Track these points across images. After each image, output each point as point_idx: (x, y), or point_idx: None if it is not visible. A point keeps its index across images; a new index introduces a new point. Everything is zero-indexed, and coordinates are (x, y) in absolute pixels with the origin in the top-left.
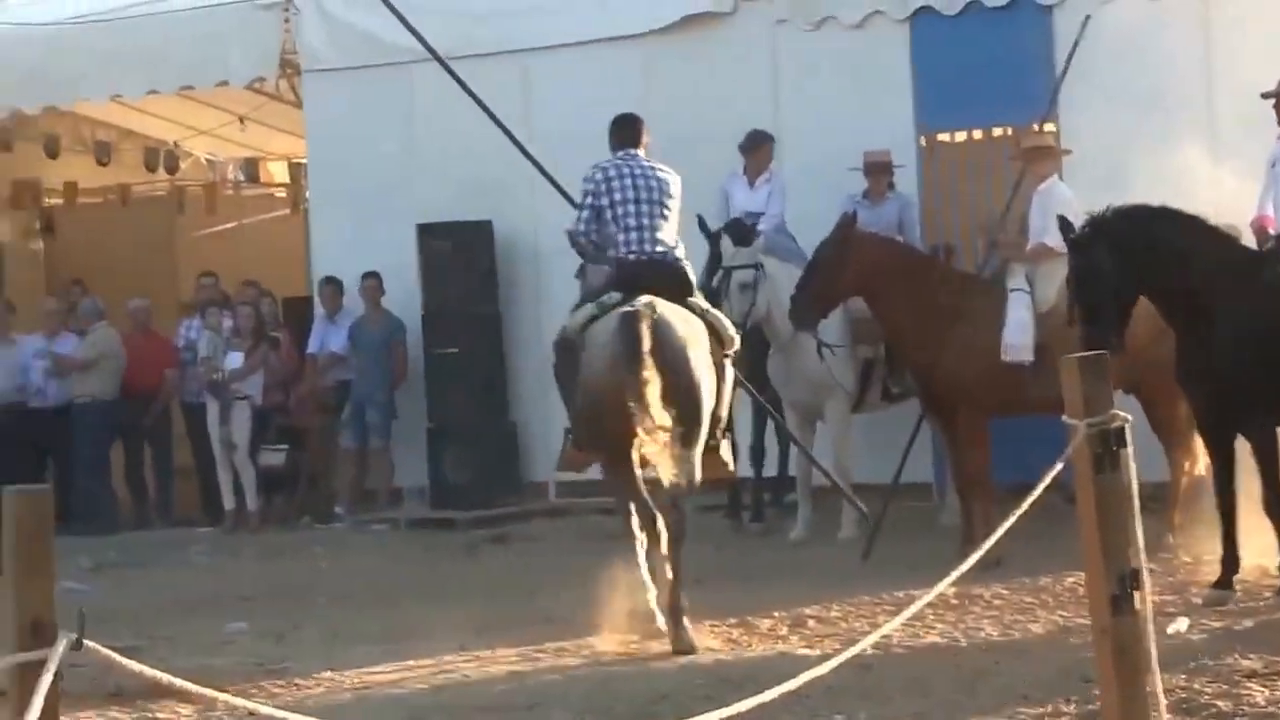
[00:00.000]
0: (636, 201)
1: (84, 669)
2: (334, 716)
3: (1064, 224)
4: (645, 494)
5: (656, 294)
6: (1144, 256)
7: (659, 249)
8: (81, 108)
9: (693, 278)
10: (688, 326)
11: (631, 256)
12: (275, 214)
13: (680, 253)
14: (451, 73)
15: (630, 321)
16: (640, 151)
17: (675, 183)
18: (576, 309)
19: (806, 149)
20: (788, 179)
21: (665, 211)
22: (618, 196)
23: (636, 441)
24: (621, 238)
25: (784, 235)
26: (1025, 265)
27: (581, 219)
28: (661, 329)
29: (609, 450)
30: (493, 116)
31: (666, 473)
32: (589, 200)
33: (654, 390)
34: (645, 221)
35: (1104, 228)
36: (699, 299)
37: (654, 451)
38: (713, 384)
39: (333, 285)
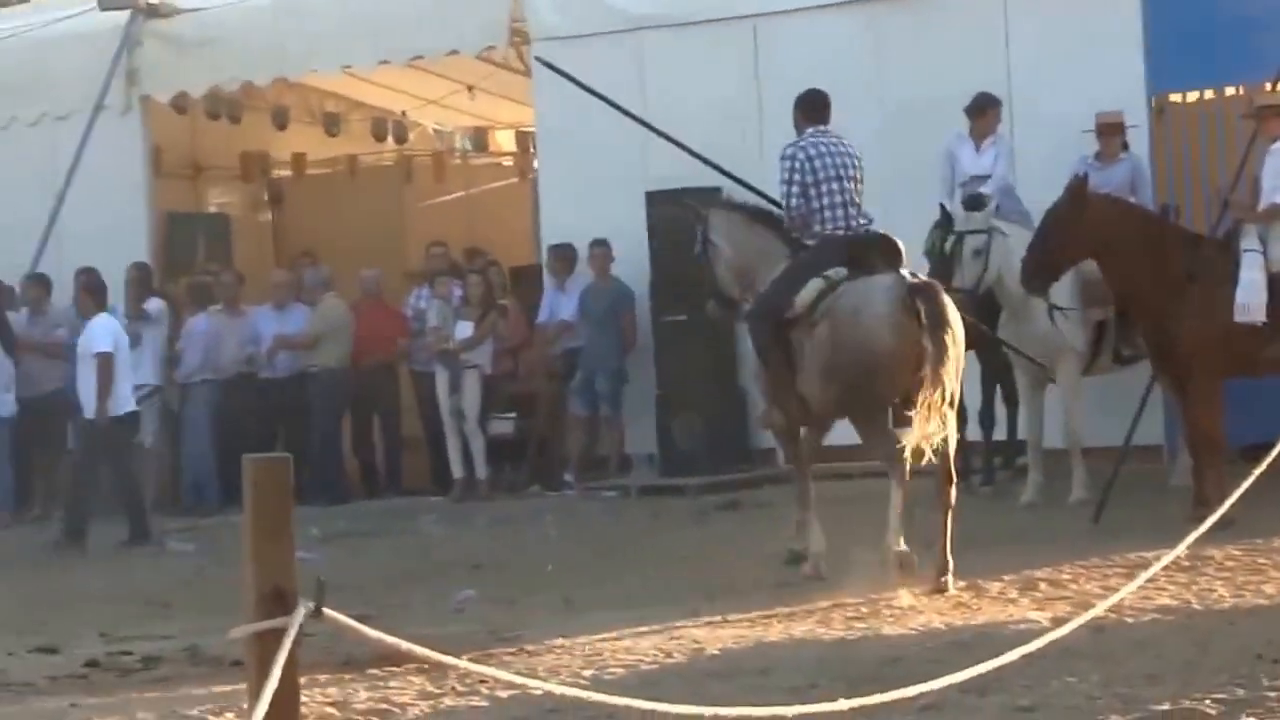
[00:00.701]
0: (839, 179)
1: (315, 638)
2: (566, 683)
3: None
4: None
5: (875, 266)
6: None
7: (865, 222)
8: (310, 79)
9: (903, 248)
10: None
11: (844, 232)
12: (503, 183)
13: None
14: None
15: (929, 292)
16: (830, 127)
17: (861, 157)
18: (791, 284)
19: (1038, 111)
20: (1019, 141)
21: (861, 186)
22: (821, 175)
23: (920, 400)
24: (829, 214)
25: (1011, 198)
26: (1258, 225)
27: (793, 195)
28: (946, 300)
29: (867, 413)
30: (614, 104)
31: (939, 432)
32: (796, 178)
33: (952, 356)
34: (850, 197)
35: None
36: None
37: (934, 414)
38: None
39: (563, 252)
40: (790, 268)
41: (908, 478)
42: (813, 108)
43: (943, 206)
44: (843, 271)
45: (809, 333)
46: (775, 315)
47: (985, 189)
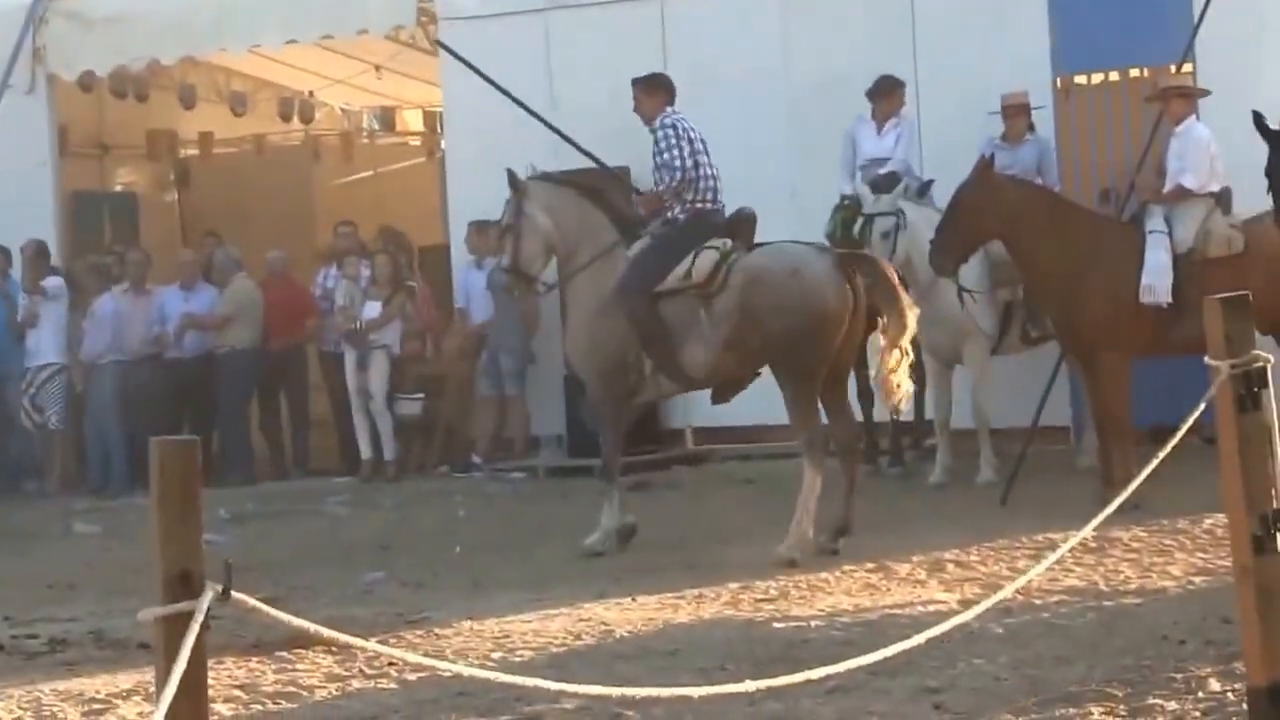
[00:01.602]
0: (708, 155)
1: (222, 620)
2: (474, 665)
3: (1258, 118)
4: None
5: (752, 242)
6: None
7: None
8: (217, 58)
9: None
10: None
11: (715, 206)
12: (411, 163)
13: None
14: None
15: (870, 262)
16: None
17: None
18: (668, 256)
19: (944, 93)
20: (926, 122)
21: None
22: (698, 147)
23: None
24: (704, 185)
25: (912, 179)
26: (1163, 207)
27: (686, 158)
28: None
29: (810, 380)
30: (513, 98)
31: (895, 398)
32: (685, 145)
33: (910, 323)
34: (717, 173)
35: None
36: None
37: (892, 377)
38: None
39: (480, 228)
40: (663, 241)
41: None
42: (671, 90)
43: (842, 195)
44: (729, 243)
45: (705, 303)
46: (650, 287)
47: (884, 172)
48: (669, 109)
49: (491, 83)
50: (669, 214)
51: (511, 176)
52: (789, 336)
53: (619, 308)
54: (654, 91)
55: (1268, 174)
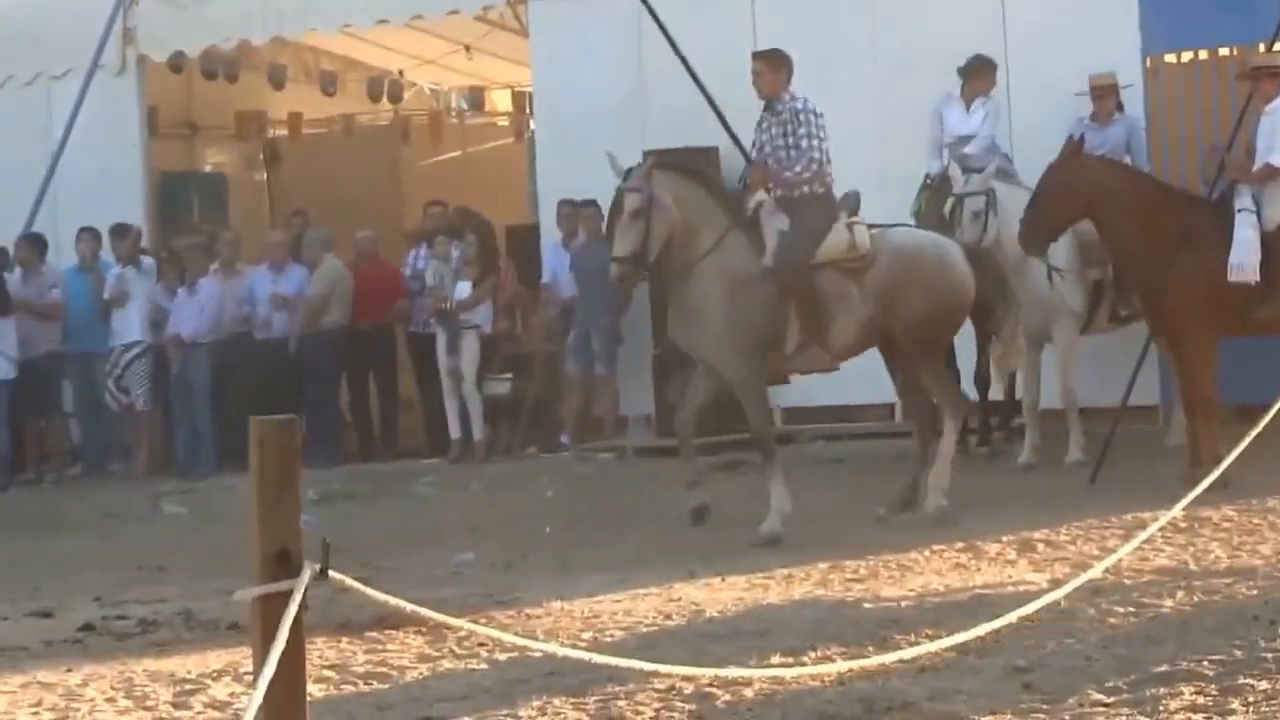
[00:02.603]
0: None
1: (312, 600)
2: (565, 645)
3: None
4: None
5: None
6: None
7: None
8: (307, 38)
9: None
10: None
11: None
12: (499, 143)
13: None
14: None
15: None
16: None
17: None
18: (817, 233)
19: (1034, 72)
20: (1015, 103)
21: None
22: (827, 138)
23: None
24: (828, 171)
25: (999, 155)
26: (1252, 186)
27: (824, 161)
28: None
29: (941, 359)
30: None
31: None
32: (824, 134)
33: None
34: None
35: None
36: None
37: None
38: None
39: (570, 209)
40: (809, 217)
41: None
42: (792, 68)
43: (927, 174)
44: (857, 219)
45: (857, 277)
46: (809, 260)
47: (969, 149)
48: (792, 89)
49: (683, 61)
50: (773, 193)
51: (613, 160)
52: (934, 318)
53: (778, 282)
54: (779, 67)
55: None
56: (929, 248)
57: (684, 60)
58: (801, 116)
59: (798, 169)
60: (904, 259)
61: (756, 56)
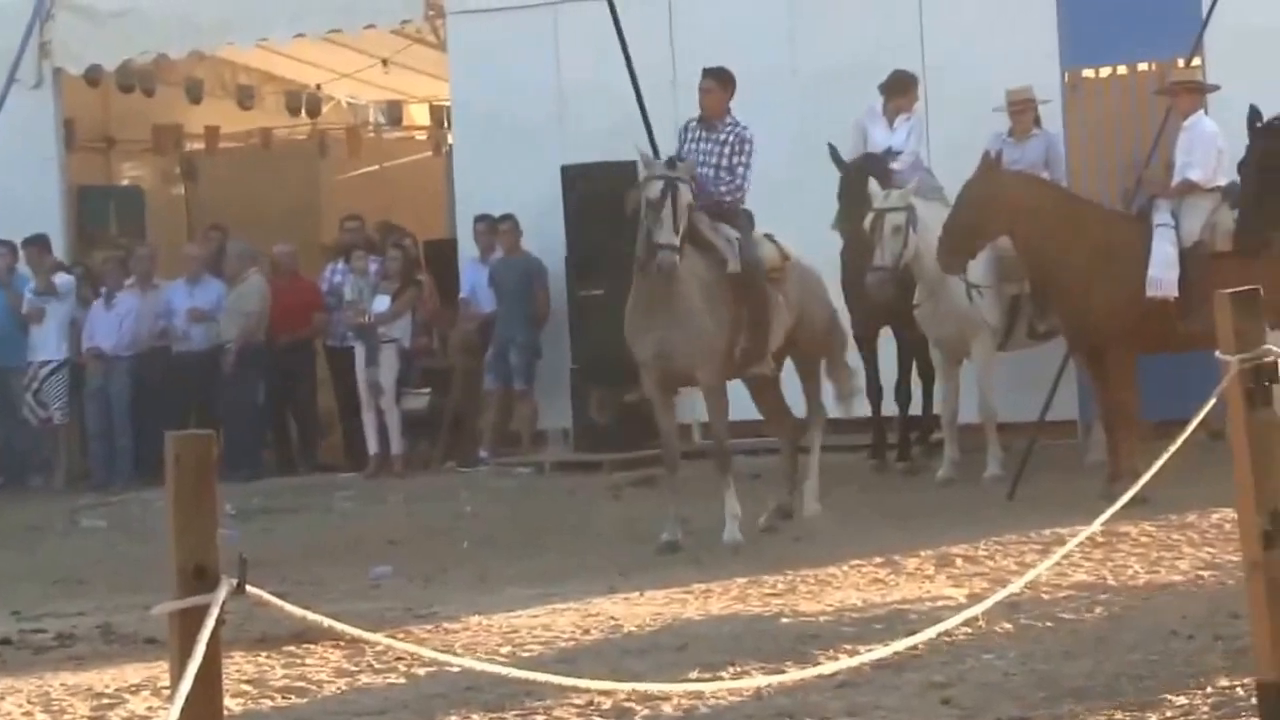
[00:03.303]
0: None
1: (231, 615)
2: (483, 660)
3: (1254, 113)
4: None
5: None
6: None
7: None
8: (224, 52)
9: None
10: None
11: None
12: (417, 157)
13: None
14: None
15: None
16: None
17: None
18: (753, 243)
19: (952, 87)
20: (933, 117)
21: None
22: None
23: None
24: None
25: (922, 171)
26: (1170, 201)
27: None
28: None
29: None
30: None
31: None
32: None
33: None
34: None
35: None
36: None
37: None
38: None
39: (487, 224)
40: (746, 230)
41: None
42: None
43: (852, 176)
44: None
45: (780, 286)
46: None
47: (896, 165)
48: (733, 112)
49: (631, 71)
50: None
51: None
52: (831, 330)
53: (744, 287)
54: (727, 86)
55: (1240, 168)
56: (809, 265)
57: (631, 70)
58: (740, 145)
59: (723, 189)
60: (803, 272)
61: (708, 74)
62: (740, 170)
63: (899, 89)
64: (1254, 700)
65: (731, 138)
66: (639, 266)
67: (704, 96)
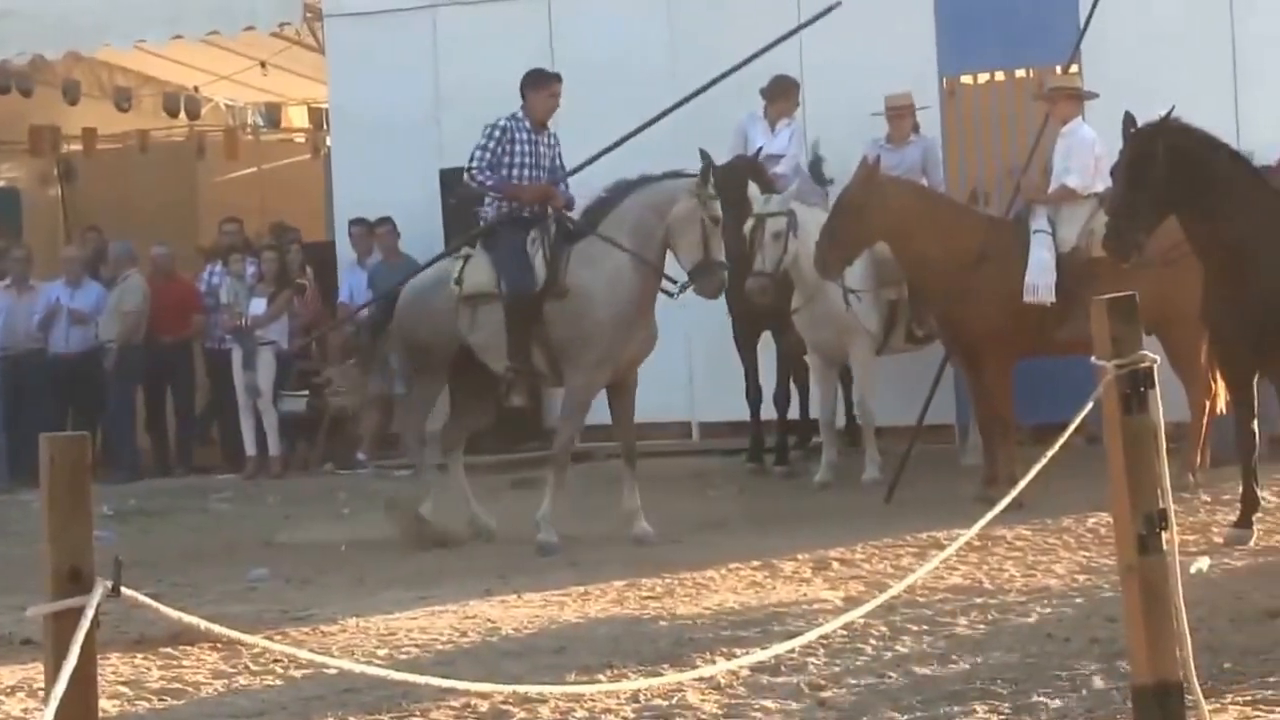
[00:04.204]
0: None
1: (107, 616)
2: (360, 662)
3: (1129, 119)
4: None
5: None
6: (1194, 176)
7: None
8: (102, 53)
9: None
10: None
11: None
12: (295, 159)
13: None
14: None
15: None
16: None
17: None
18: None
19: (829, 93)
20: (812, 123)
21: None
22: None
23: None
24: None
25: (806, 179)
26: (1048, 207)
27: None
28: None
29: None
30: None
31: None
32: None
33: None
34: None
35: (1167, 132)
36: None
37: None
38: None
39: (362, 227)
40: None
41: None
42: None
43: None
44: None
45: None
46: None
47: (779, 169)
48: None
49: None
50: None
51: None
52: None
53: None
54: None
55: (1112, 174)
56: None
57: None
58: (559, 149)
59: (569, 194)
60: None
61: (560, 79)
62: (564, 175)
63: (780, 93)
64: (1128, 703)
65: (557, 143)
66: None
67: (556, 101)
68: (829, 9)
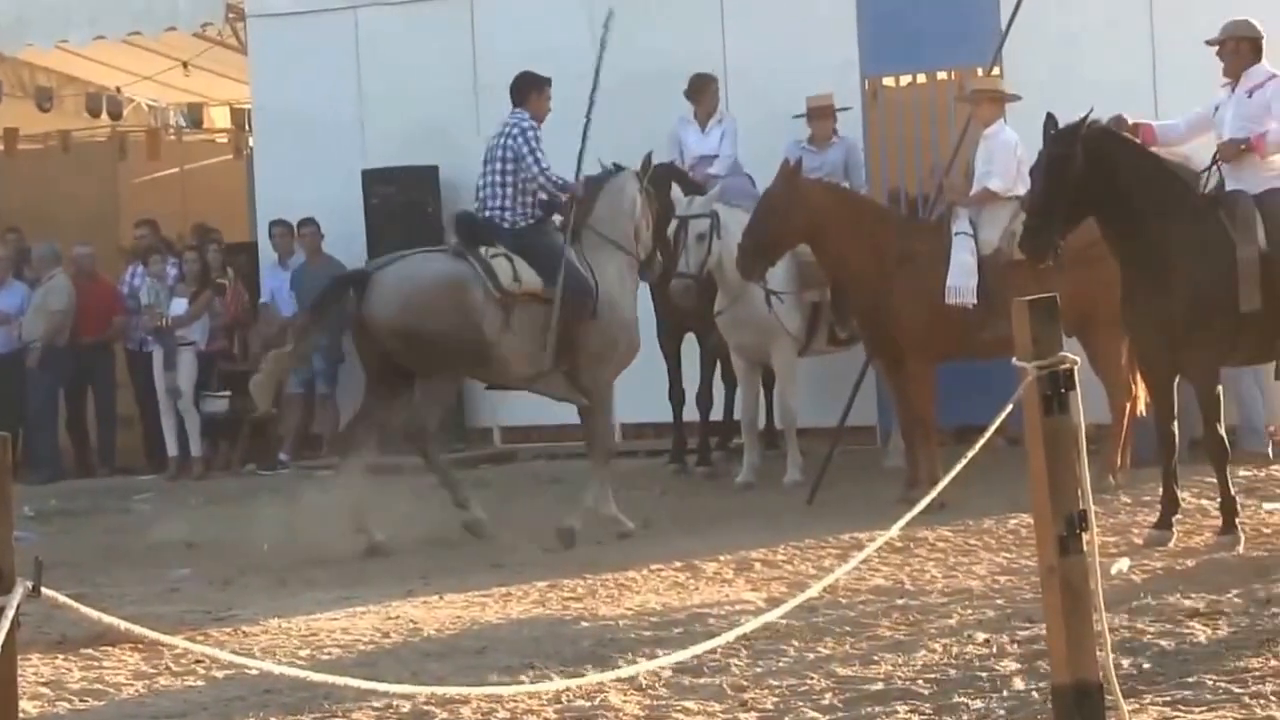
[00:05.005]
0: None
1: (28, 617)
2: (282, 663)
3: (1050, 120)
4: None
5: None
6: (1112, 176)
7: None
8: (23, 53)
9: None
10: None
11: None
12: (218, 160)
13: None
14: None
15: None
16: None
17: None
18: None
19: (753, 93)
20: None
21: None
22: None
23: None
24: None
25: (740, 176)
26: (969, 209)
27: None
28: None
29: None
30: None
31: None
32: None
33: None
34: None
35: (1085, 133)
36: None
37: None
38: None
39: (283, 229)
40: None
41: None
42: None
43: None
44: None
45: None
46: None
47: (713, 169)
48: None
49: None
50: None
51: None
52: None
53: None
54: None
55: (1031, 174)
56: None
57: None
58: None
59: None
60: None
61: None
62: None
63: (699, 90)
64: (1048, 703)
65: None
66: None
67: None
68: None
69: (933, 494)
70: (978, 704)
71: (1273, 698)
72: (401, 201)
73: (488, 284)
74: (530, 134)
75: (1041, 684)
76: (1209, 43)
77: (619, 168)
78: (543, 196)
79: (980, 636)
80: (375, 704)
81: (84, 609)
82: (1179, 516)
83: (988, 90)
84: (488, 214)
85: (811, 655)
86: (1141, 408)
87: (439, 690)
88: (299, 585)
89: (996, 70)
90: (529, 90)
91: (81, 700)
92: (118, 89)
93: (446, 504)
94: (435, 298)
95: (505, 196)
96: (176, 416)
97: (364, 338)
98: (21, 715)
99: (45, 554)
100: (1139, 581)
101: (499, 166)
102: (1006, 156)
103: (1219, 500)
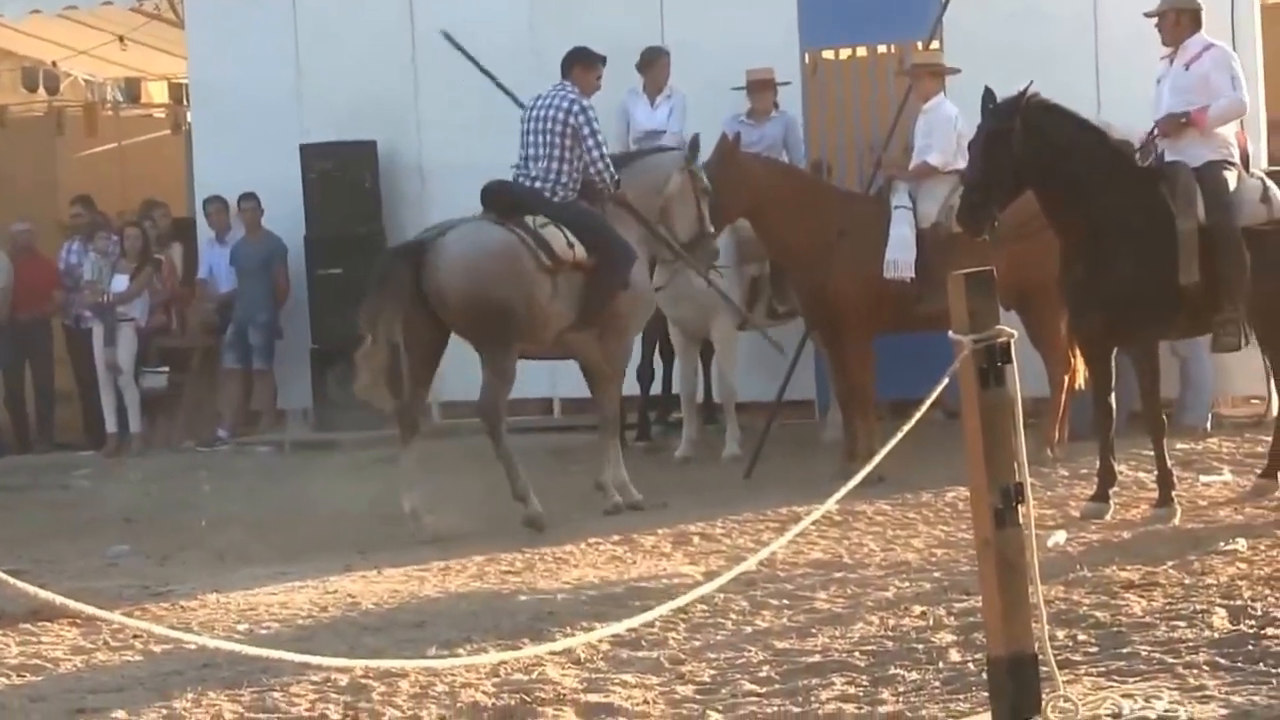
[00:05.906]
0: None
1: None
2: (220, 637)
3: (988, 94)
4: None
5: None
6: (1052, 150)
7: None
8: None
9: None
10: None
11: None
12: (156, 135)
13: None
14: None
15: None
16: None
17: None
18: None
19: (692, 67)
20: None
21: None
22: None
23: None
24: None
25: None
26: (908, 183)
27: None
28: None
29: None
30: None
31: None
32: None
33: None
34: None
35: (1024, 106)
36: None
37: None
38: None
39: (219, 205)
40: None
41: None
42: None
43: None
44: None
45: None
46: None
47: (659, 144)
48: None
49: (488, 74)
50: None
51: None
52: None
53: None
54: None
55: (970, 148)
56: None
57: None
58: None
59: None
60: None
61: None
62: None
63: (648, 63)
64: (984, 675)
65: None
66: None
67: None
68: None
69: (870, 467)
70: (914, 676)
71: (1206, 668)
72: (340, 177)
73: (539, 253)
74: (590, 113)
75: (977, 656)
76: (1148, 15)
77: (661, 149)
78: (591, 175)
79: (917, 609)
80: (313, 678)
81: (21, 584)
82: (1116, 489)
83: (927, 64)
84: (534, 182)
85: (749, 628)
86: (1080, 381)
87: (376, 664)
88: (237, 560)
89: (936, 44)
90: (574, 64)
91: (19, 675)
92: (54, 63)
93: (385, 477)
94: (500, 265)
95: (554, 170)
96: (116, 392)
97: (421, 312)
98: None
99: None
100: (1075, 553)
101: (552, 140)
102: (946, 130)
103: (1156, 473)
